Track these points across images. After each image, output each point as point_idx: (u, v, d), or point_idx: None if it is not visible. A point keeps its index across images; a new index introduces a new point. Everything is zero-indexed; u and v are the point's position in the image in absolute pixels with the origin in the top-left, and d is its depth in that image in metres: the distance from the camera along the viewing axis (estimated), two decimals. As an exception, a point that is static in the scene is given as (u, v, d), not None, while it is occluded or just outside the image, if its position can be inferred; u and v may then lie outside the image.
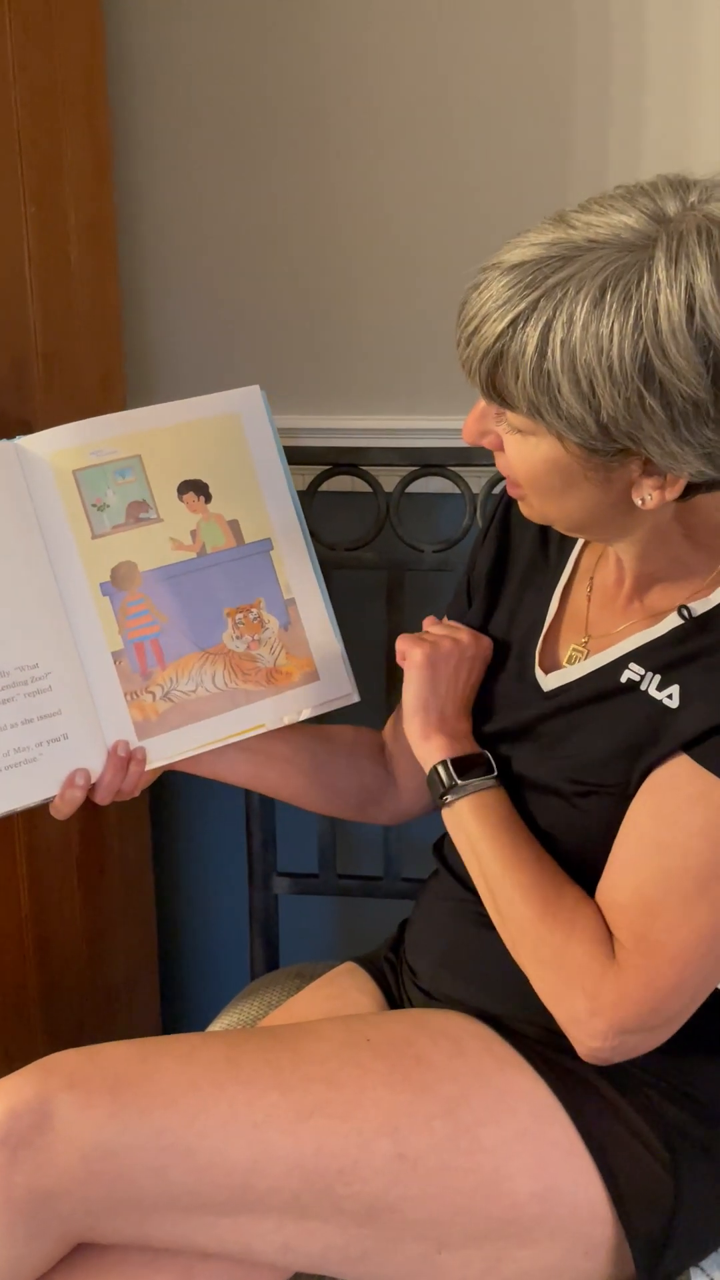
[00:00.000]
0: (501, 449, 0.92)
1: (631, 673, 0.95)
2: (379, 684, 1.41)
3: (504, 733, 1.04)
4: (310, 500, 1.39)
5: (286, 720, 1.11)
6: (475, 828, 0.99)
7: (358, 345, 1.53)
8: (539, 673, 1.04)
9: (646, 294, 0.77)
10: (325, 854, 1.46)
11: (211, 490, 1.10)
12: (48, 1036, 1.47)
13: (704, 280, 0.76)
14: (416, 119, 1.44)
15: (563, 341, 0.78)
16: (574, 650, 1.03)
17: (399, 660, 1.08)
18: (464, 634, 1.09)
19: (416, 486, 1.43)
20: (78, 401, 1.43)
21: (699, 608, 0.94)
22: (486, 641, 1.10)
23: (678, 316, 0.76)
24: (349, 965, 1.19)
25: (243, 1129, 0.87)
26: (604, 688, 0.97)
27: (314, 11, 1.43)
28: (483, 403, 0.90)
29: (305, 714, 1.11)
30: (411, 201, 1.47)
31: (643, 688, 0.94)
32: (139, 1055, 0.90)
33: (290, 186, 1.50)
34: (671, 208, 0.79)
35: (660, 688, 0.93)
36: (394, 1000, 1.13)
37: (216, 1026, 1.32)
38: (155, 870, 1.74)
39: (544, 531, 1.11)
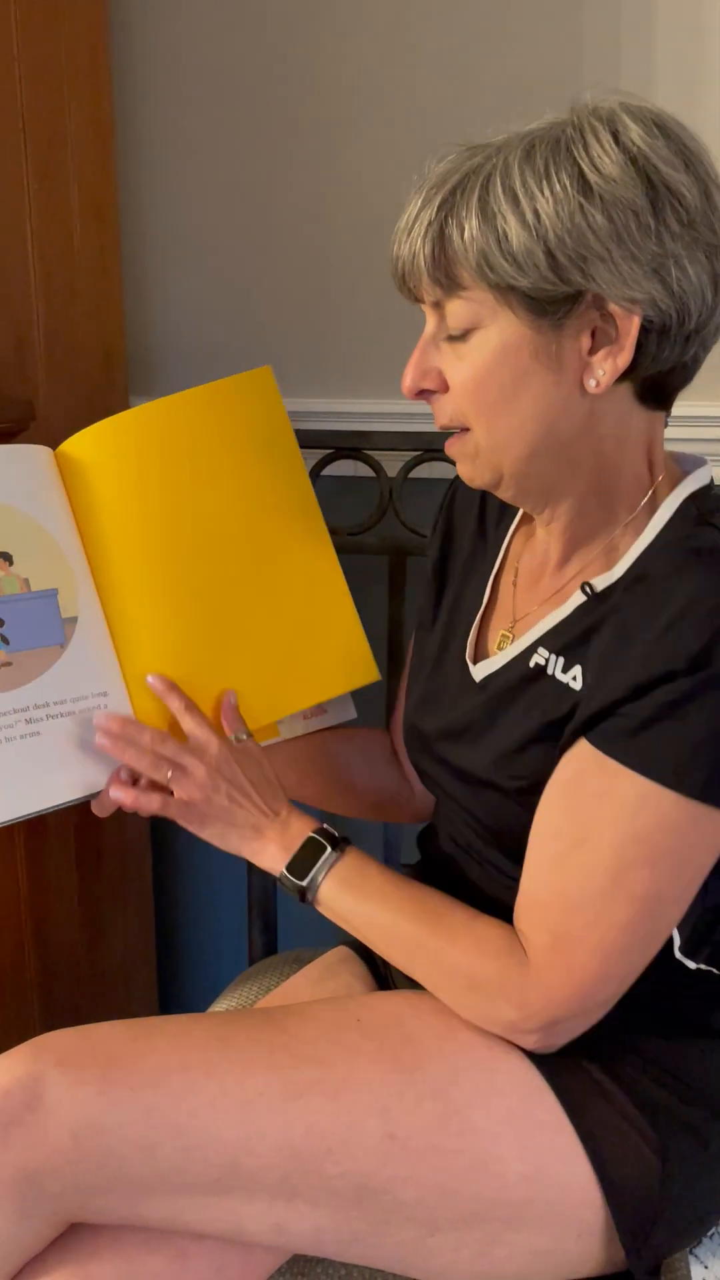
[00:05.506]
0: (445, 388, 0.91)
1: (539, 657, 0.95)
2: (381, 668, 1.41)
3: (445, 731, 1.03)
4: (313, 484, 1.38)
5: (289, 734, 1.11)
6: (351, 903, 0.98)
7: (362, 328, 1.52)
8: (470, 664, 1.04)
9: (575, 135, 0.83)
10: (324, 839, 1.45)
11: None
12: (45, 1019, 1.47)
13: (625, 122, 0.83)
14: (422, 95, 1.43)
15: (503, 184, 0.83)
16: (502, 636, 1.02)
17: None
18: (190, 757, 1.02)
19: (420, 471, 1.42)
20: (79, 381, 1.42)
21: (600, 583, 0.93)
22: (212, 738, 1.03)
23: (605, 137, 0.82)
24: (341, 949, 1.18)
25: (232, 1108, 0.87)
26: (519, 675, 0.97)
27: (320, -10, 1.43)
28: (420, 345, 0.91)
29: (313, 727, 1.11)
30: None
31: (549, 671, 0.94)
32: (131, 1034, 0.90)
33: (295, 166, 1.49)
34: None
35: (564, 670, 0.93)
36: (385, 984, 1.13)
37: (214, 1010, 1.31)
38: (154, 854, 1.74)
39: (482, 517, 1.10)
